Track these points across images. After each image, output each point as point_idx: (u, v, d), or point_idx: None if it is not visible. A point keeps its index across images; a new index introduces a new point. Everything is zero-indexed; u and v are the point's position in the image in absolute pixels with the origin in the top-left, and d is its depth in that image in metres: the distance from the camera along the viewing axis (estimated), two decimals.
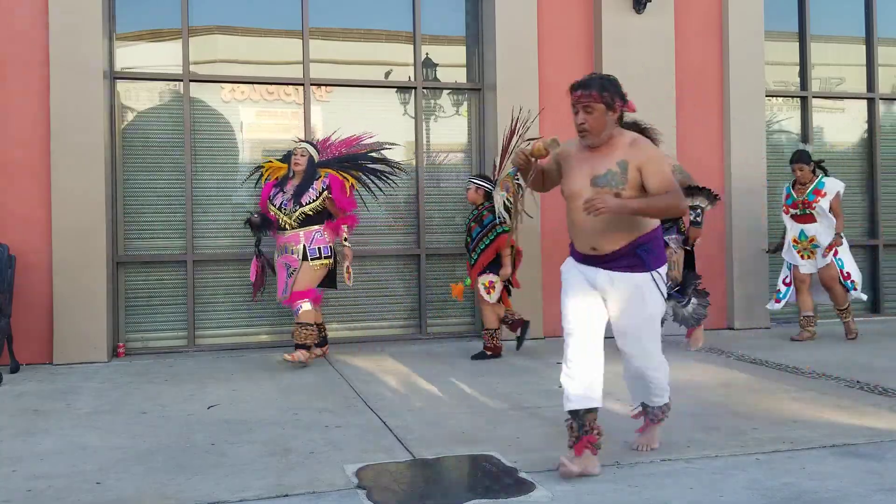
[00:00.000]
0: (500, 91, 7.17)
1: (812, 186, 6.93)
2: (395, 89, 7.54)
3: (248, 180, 6.76)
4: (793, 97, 8.50)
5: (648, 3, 7.31)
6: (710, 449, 3.69)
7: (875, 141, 8.58)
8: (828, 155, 8.59)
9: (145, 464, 3.59)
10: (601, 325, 3.43)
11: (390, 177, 6.49)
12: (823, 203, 6.85)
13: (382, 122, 7.10)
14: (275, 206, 6.05)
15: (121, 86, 6.90)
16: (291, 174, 6.11)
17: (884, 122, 8.69)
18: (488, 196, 6.26)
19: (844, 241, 6.97)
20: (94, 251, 6.33)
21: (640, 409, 3.75)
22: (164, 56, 7.06)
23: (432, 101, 7.62)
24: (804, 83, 8.46)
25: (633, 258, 3.34)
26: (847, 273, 6.91)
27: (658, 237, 3.46)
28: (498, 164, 6.39)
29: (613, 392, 4.98)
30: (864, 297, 7.30)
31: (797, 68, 8.51)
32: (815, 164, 7.02)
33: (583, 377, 3.36)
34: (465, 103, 7.65)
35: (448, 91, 7.66)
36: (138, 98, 7.04)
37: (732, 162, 7.71)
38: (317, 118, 7.19)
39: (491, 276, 6.20)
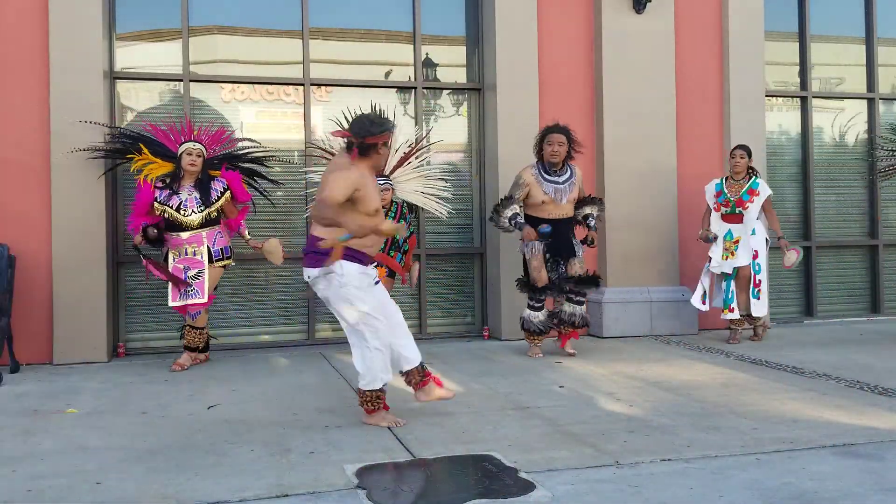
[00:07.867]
0: (500, 91, 7.17)
1: (747, 186, 6.78)
2: (395, 89, 7.54)
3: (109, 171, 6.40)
4: (793, 97, 8.51)
5: (648, 3, 7.31)
6: (711, 449, 3.69)
7: (875, 141, 8.57)
8: (828, 155, 8.63)
9: (145, 464, 3.59)
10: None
11: (267, 177, 6.45)
12: (756, 204, 6.74)
13: None
14: (171, 208, 5.85)
15: (121, 86, 6.90)
16: (181, 174, 5.92)
17: (884, 122, 8.68)
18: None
19: (766, 247, 6.84)
20: (94, 251, 6.33)
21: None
22: (164, 56, 7.05)
23: (432, 101, 7.61)
24: (804, 83, 8.46)
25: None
26: (759, 281, 6.74)
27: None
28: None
29: (614, 392, 4.99)
30: (763, 312, 6.85)
31: (797, 68, 8.51)
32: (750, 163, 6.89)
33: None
34: (465, 103, 7.65)
35: (448, 91, 7.66)
36: (138, 98, 7.04)
37: None
38: (317, 118, 7.19)
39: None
